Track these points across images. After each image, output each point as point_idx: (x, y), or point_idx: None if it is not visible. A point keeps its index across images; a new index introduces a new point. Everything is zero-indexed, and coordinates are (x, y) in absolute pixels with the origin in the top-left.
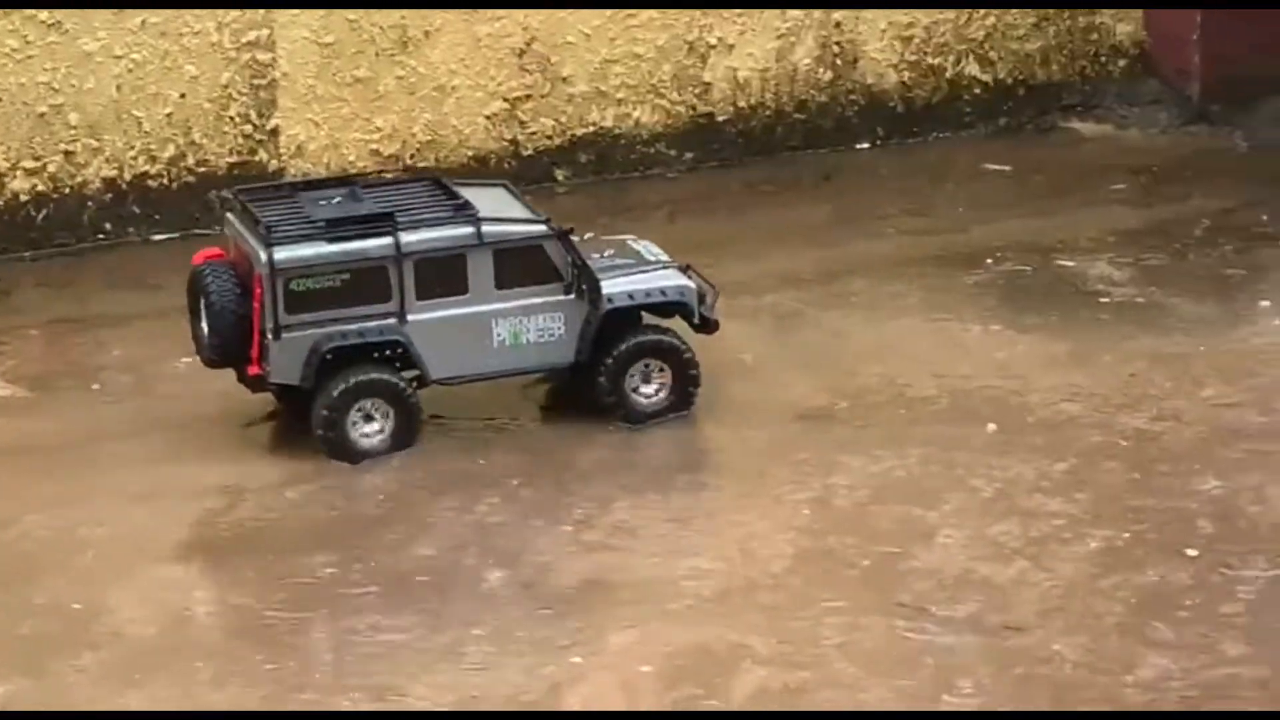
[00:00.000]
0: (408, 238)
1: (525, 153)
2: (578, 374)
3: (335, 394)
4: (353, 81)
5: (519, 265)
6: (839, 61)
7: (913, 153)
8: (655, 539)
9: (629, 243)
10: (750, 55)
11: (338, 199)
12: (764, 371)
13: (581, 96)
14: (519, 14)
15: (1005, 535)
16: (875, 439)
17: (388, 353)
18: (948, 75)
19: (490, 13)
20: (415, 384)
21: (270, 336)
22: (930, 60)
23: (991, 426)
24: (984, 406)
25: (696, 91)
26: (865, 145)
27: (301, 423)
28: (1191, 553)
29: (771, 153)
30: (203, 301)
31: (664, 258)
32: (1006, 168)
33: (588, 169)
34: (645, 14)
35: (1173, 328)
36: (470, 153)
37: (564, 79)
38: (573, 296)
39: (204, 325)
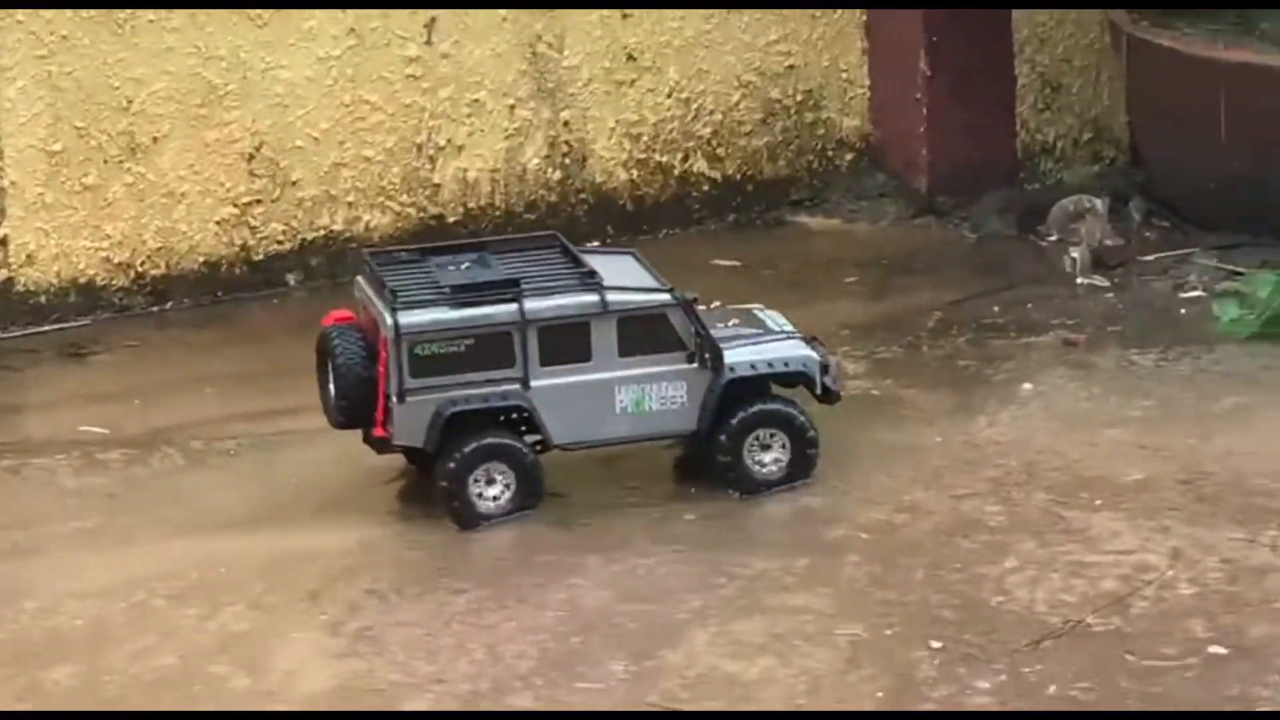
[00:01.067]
0: (532, 305)
1: (256, 257)
2: (698, 443)
3: (458, 456)
4: (81, 189)
5: (642, 333)
6: (568, 160)
7: (644, 249)
8: (400, 645)
9: (755, 312)
10: (479, 156)
11: (466, 264)
12: None
13: (311, 200)
14: (248, 118)
15: (750, 632)
16: (613, 541)
17: (513, 417)
18: (676, 172)
19: (219, 118)
20: (538, 448)
21: (395, 399)
22: (659, 158)
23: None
24: None
25: (426, 193)
26: (595, 244)
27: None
28: (936, 644)
29: None
30: (330, 363)
31: (788, 327)
32: (737, 263)
33: (319, 272)
34: (374, 117)
35: (908, 419)
36: (201, 258)
37: (293, 183)
38: (695, 365)
39: (331, 387)
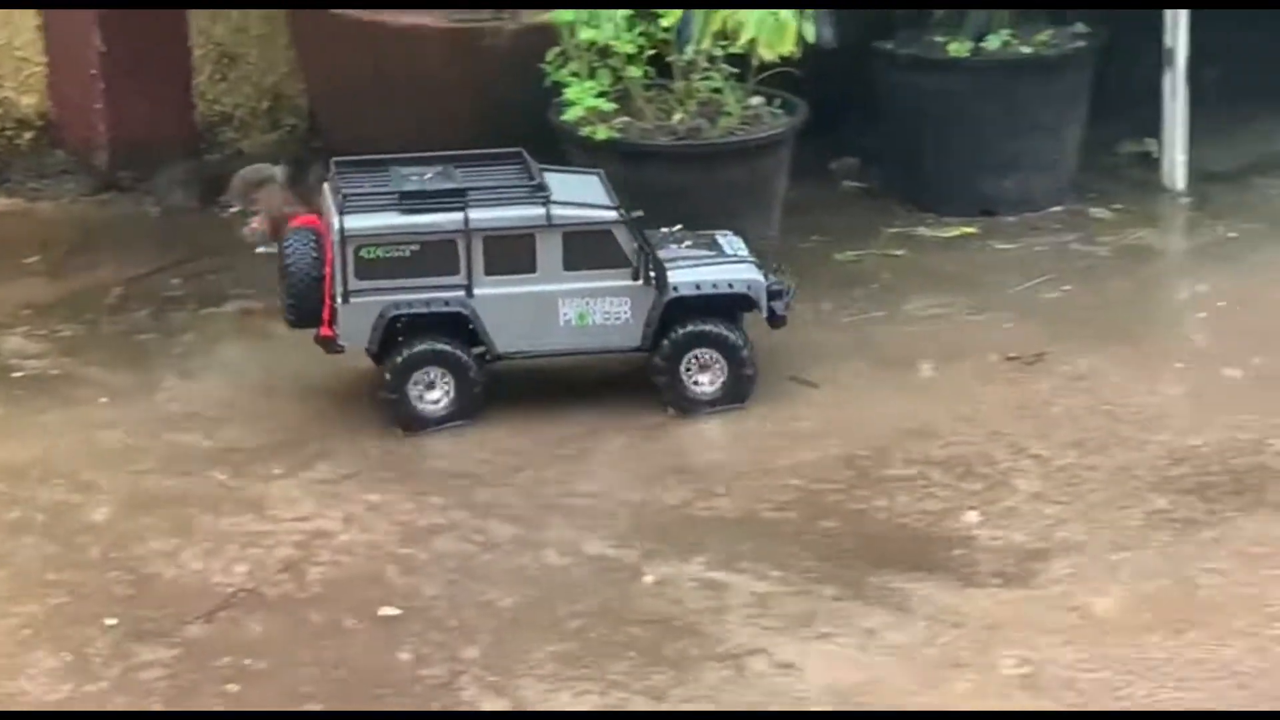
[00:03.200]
0: (477, 214)
1: None
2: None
3: (399, 361)
4: None
5: (588, 248)
6: None
7: None
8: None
9: (716, 237)
10: None
11: (430, 174)
12: None
13: None
14: None
15: None
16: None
17: (457, 324)
18: None
19: None
20: (485, 359)
21: (339, 300)
22: None
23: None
24: None
25: None
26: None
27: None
28: (110, 622)
29: None
30: (280, 264)
31: (743, 251)
32: None
33: None
34: None
35: (89, 398)
36: None
37: None
38: (640, 283)
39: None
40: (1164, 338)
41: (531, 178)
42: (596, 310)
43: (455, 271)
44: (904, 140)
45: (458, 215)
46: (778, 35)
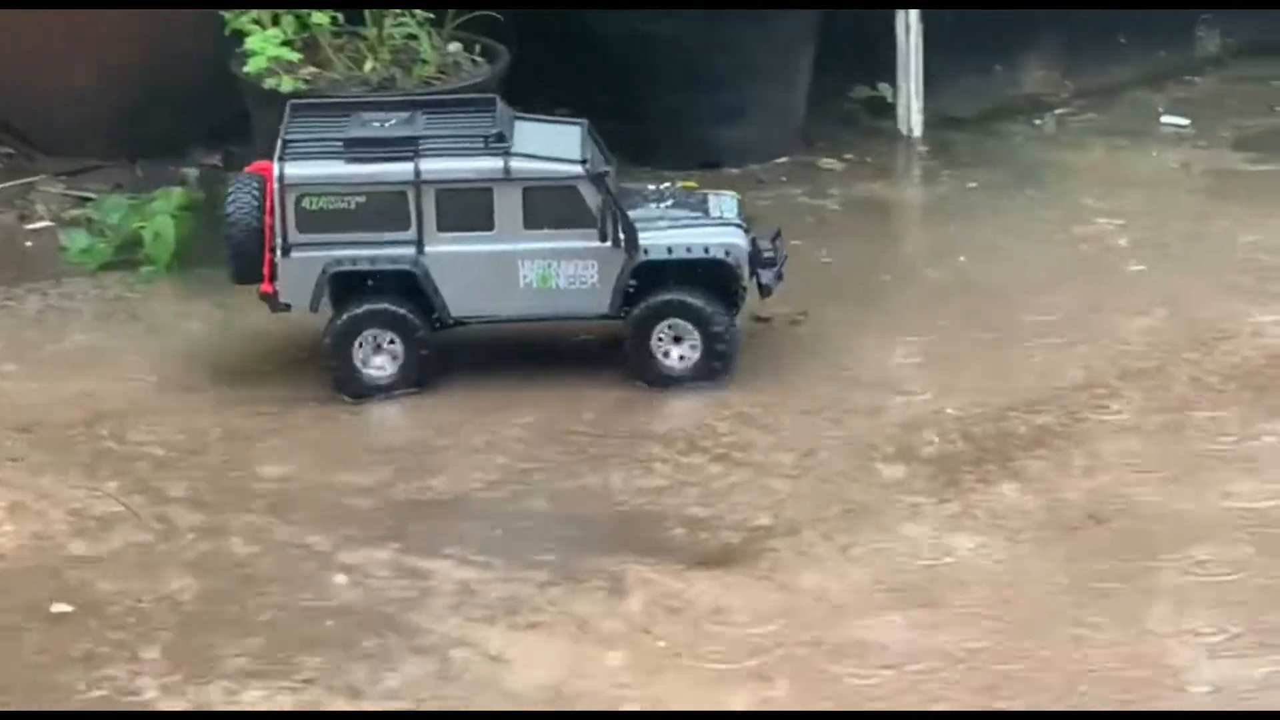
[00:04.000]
0: (429, 165)
1: None
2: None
3: (342, 320)
4: None
5: (550, 205)
6: None
7: None
8: None
9: (709, 196)
10: None
11: (394, 120)
12: None
13: None
14: None
15: None
16: None
17: (407, 283)
18: None
19: None
20: (437, 322)
21: (279, 254)
22: None
23: None
24: None
25: None
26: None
27: None
28: None
29: None
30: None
31: (732, 213)
32: None
33: None
34: None
35: None
36: None
37: None
38: (609, 244)
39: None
40: (899, 297)
41: (494, 126)
42: (560, 273)
43: (405, 227)
44: (618, 89)
45: (408, 166)
46: None
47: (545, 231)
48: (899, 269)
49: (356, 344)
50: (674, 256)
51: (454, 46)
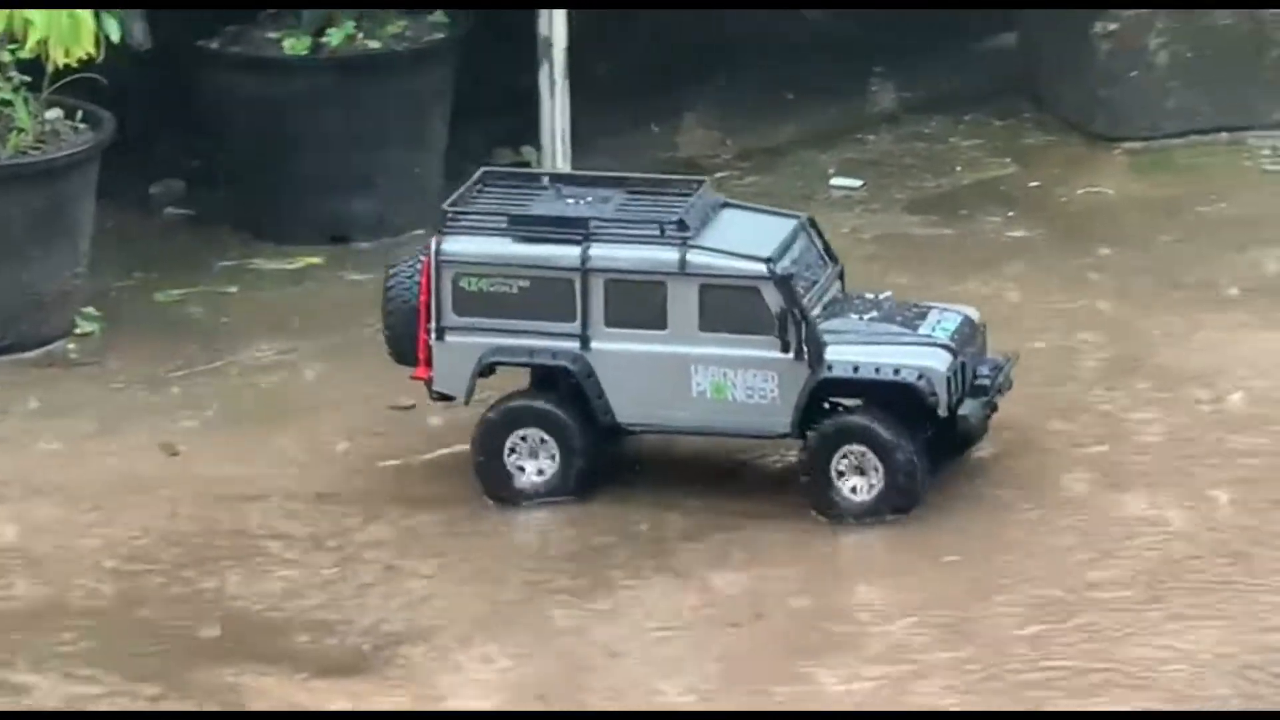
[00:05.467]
0: (599, 251)
1: None
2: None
3: (494, 415)
4: None
5: (729, 306)
6: None
7: None
8: None
9: (932, 311)
10: None
11: (589, 199)
12: None
13: None
14: None
15: None
16: None
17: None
18: None
19: None
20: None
21: (433, 336)
22: None
23: None
24: None
25: None
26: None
27: None
28: None
29: None
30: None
31: (944, 333)
32: None
33: None
34: None
35: None
36: None
37: None
38: (791, 356)
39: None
40: None
41: (682, 212)
42: (737, 383)
43: (570, 317)
44: (236, 156)
45: (575, 250)
46: (73, 35)
47: (722, 335)
48: None
49: (509, 446)
50: (860, 375)
51: (53, 113)
